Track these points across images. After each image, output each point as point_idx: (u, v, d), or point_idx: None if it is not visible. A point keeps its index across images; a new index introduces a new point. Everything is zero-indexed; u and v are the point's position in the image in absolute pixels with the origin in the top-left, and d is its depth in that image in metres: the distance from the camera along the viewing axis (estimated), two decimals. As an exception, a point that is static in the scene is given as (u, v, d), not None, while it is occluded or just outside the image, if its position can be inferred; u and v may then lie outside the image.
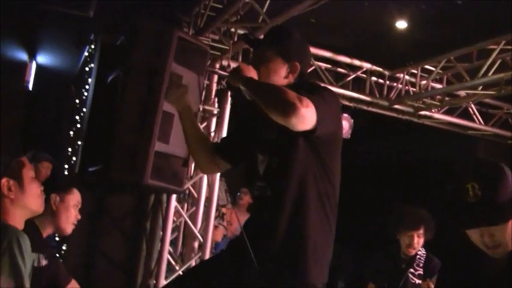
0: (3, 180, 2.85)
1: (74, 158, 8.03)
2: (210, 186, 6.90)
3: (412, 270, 5.21)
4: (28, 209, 2.94)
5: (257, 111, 3.00)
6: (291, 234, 2.91)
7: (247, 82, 2.91)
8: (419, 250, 5.22)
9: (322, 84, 7.11)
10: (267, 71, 3.06)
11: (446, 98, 8.21)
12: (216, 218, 7.05)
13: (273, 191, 2.99)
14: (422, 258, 5.24)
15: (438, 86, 8.08)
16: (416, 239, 5.13)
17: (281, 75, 3.09)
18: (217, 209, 7.07)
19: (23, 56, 9.28)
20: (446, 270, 4.62)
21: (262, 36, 3.33)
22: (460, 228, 2.50)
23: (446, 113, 8.56)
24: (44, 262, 3.47)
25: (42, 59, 9.46)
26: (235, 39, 6.65)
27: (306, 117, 2.73)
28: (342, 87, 7.90)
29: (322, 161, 2.97)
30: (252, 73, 2.96)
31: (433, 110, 8.43)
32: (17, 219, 2.87)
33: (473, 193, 2.40)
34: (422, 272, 5.21)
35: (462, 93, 8.20)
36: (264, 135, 3.07)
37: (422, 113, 8.42)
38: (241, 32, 6.60)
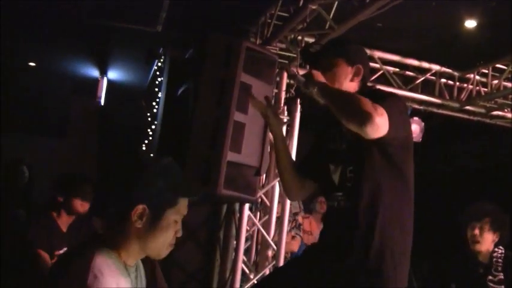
0: (140, 206, 2.44)
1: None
2: (282, 195, 6.92)
3: (491, 276, 4.77)
4: (149, 249, 2.51)
5: (326, 119, 3.06)
6: (368, 244, 2.92)
7: (322, 87, 2.96)
8: (496, 251, 4.80)
9: (391, 89, 7.12)
10: (334, 77, 3.13)
11: (520, 97, 8.05)
12: (292, 228, 7.06)
13: (348, 201, 3.02)
14: (500, 260, 4.78)
15: (511, 85, 7.91)
16: (477, 230, 4.76)
17: (347, 79, 3.17)
18: (293, 219, 7.08)
19: (95, 72, 9.53)
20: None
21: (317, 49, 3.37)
22: None
23: (520, 112, 8.36)
24: None
25: (113, 74, 9.69)
26: (301, 50, 6.68)
27: (380, 125, 2.77)
28: (411, 90, 7.82)
29: (396, 167, 2.99)
30: (323, 79, 3.02)
31: (506, 110, 8.25)
32: (133, 254, 2.50)
33: None
34: (503, 277, 4.73)
35: (536, 91, 8.00)
36: (333, 144, 3.13)
37: (495, 113, 8.25)
38: (308, 39, 6.62)
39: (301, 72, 5.78)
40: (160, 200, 2.46)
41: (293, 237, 7.11)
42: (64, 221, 4.89)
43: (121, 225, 2.45)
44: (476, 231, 4.78)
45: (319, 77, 3.02)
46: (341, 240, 3.00)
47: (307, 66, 6.93)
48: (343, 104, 2.89)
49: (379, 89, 3.33)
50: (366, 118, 2.73)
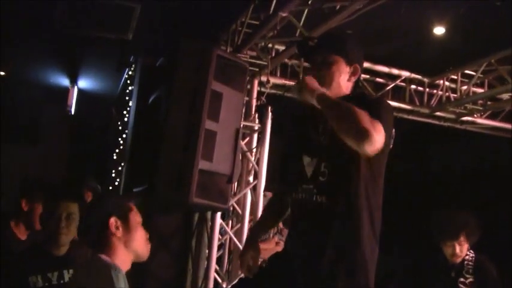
0: (112, 219, 2.91)
1: (118, 180, 8.14)
2: (254, 202, 6.92)
3: (462, 279, 4.94)
4: (134, 252, 2.96)
5: (313, 112, 3.03)
6: (342, 247, 2.91)
7: (321, 98, 2.91)
8: (467, 254, 4.97)
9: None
10: (331, 75, 3.10)
11: (489, 102, 8.11)
12: (275, 233, 7.05)
13: (319, 196, 2.99)
14: (471, 263, 4.96)
15: (480, 90, 7.99)
16: (458, 248, 4.91)
17: (345, 78, 3.14)
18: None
19: (65, 81, 9.47)
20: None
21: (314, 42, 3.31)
22: None
23: (490, 117, 8.44)
24: None
25: (84, 83, 9.64)
26: (273, 54, 6.70)
27: (378, 142, 2.74)
28: (381, 96, 7.87)
29: (373, 175, 2.99)
30: (315, 84, 2.97)
31: (475, 115, 8.34)
32: (124, 259, 2.92)
33: None
34: (473, 279, 4.92)
35: (505, 96, 8.09)
36: (315, 135, 3.08)
37: (465, 118, 8.32)
38: (278, 47, 6.65)
39: (273, 80, 5.83)
40: (122, 207, 2.99)
41: (277, 243, 7.09)
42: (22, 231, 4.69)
43: (105, 240, 2.91)
44: (458, 250, 4.93)
45: (315, 83, 2.97)
46: (312, 246, 2.97)
47: (278, 74, 6.96)
48: (341, 117, 2.83)
49: (369, 96, 3.31)
50: (364, 136, 2.70)
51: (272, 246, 6.98)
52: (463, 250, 4.95)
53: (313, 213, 3.00)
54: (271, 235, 6.95)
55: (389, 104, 3.12)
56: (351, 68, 3.13)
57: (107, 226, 2.88)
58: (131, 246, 2.92)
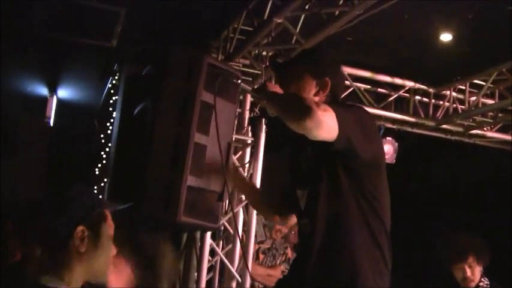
0: (79, 228, 2.43)
1: (101, 197, 8.14)
2: (247, 222, 6.93)
3: None
4: (93, 272, 2.51)
5: (293, 141, 3.10)
6: (335, 273, 2.95)
7: (270, 96, 3.04)
8: (482, 281, 4.99)
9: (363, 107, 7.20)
10: (297, 90, 3.16)
11: (500, 115, 8.15)
12: (283, 262, 7.07)
13: (310, 227, 3.05)
14: None
15: (490, 101, 8.04)
16: (468, 271, 4.94)
17: (311, 93, 3.18)
18: (283, 252, 7.08)
19: (43, 90, 9.47)
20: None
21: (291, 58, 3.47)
22: None
23: (500, 130, 8.47)
24: None
25: (63, 93, 9.63)
26: (268, 63, 6.74)
27: (324, 121, 2.75)
28: (383, 108, 7.92)
29: (365, 190, 3.00)
30: (277, 90, 3.08)
31: (485, 128, 8.37)
32: (76, 278, 2.46)
33: None
34: None
35: (517, 108, 8.13)
36: (300, 167, 3.18)
37: (474, 132, 8.37)
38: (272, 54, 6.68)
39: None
40: (95, 213, 2.52)
41: (283, 272, 7.12)
42: None
43: (62, 252, 2.44)
44: (469, 273, 4.96)
45: (274, 88, 3.08)
46: (304, 271, 3.01)
47: (272, 83, 7.01)
48: (284, 104, 2.95)
49: (347, 103, 3.42)
50: (305, 111, 2.73)
51: (278, 274, 7.02)
52: (474, 273, 4.97)
53: (308, 241, 3.04)
54: (278, 262, 6.98)
55: (362, 108, 3.16)
56: (318, 82, 3.18)
57: (71, 236, 2.42)
58: (92, 265, 2.48)
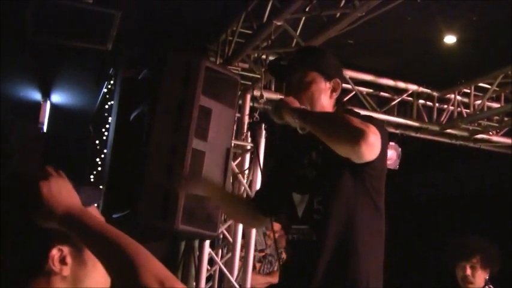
0: (54, 250, 1.83)
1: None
2: (247, 230, 6.94)
3: None
4: None
5: (295, 144, 3.11)
6: (341, 282, 2.95)
7: (303, 114, 2.94)
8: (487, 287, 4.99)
9: (365, 111, 7.25)
10: (311, 94, 3.11)
11: (506, 119, 8.12)
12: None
13: (316, 235, 3.01)
14: None
15: (495, 105, 8.05)
16: (469, 271, 4.93)
17: (326, 96, 3.15)
18: (279, 258, 7.07)
19: (36, 95, 9.49)
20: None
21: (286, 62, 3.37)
22: None
23: (506, 135, 8.47)
24: None
25: (57, 98, 9.66)
26: (267, 67, 6.77)
27: (375, 144, 2.76)
28: (386, 112, 7.91)
29: (371, 199, 3.02)
30: (297, 105, 2.99)
31: (490, 133, 8.37)
32: None
33: None
34: None
35: (524, 111, 8.12)
36: (302, 171, 3.11)
37: (479, 136, 8.37)
38: (273, 58, 6.71)
39: (266, 95, 5.89)
40: None
41: None
42: None
43: (40, 281, 1.85)
44: (468, 272, 4.95)
45: (294, 103, 2.99)
46: (303, 282, 3.00)
47: (272, 88, 7.03)
48: (330, 126, 2.88)
49: (356, 112, 3.25)
50: (359, 135, 2.71)
51: (276, 280, 7.02)
52: (475, 275, 4.95)
53: (311, 252, 3.01)
54: (276, 268, 6.98)
55: (380, 119, 3.18)
56: (330, 83, 3.15)
57: (45, 261, 1.84)
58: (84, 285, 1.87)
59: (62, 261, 1.86)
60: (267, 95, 6.90)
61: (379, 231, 3.06)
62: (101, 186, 7.76)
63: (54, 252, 1.84)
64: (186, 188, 3.63)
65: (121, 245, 1.61)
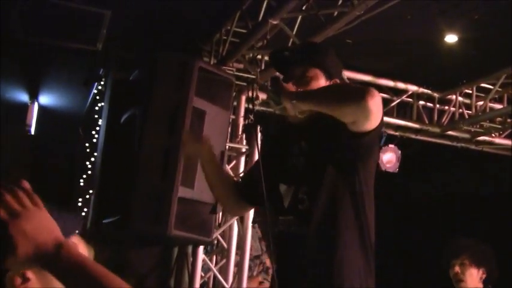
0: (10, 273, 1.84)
1: (86, 210, 8.17)
2: (242, 235, 6.96)
3: None
4: None
5: (286, 136, 3.14)
6: (327, 277, 2.96)
7: (302, 94, 3.00)
8: None
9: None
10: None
11: (508, 120, 8.17)
12: (260, 272, 7.09)
13: (300, 227, 3.03)
14: None
15: (498, 106, 8.08)
16: (458, 268, 4.95)
17: None
18: (260, 262, 7.11)
19: (24, 97, 9.49)
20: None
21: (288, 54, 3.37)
22: None
23: (509, 137, 8.47)
24: None
25: (45, 99, 9.65)
26: (263, 66, 6.78)
27: (379, 102, 2.77)
28: (385, 114, 7.83)
29: (359, 189, 3.01)
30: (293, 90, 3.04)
31: (493, 135, 8.39)
32: None
33: None
34: None
35: (527, 113, 8.14)
36: (291, 160, 3.13)
37: (481, 138, 8.40)
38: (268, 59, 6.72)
39: (262, 96, 5.91)
40: None
41: (261, 283, 7.13)
42: None
43: None
44: (457, 269, 4.98)
45: (291, 88, 3.03)
46: (295, 274, 3.03)
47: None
48: (333, 93, 2.95)
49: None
50: (363, 91, 2.74)
51: (255, 285, 7.04)
52: (465, 273, 4.95)
53: (294, 247, 3.04)
54: (255, 273, 7.01)
55: None
56: (330, 83, 3.17)
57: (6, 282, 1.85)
58: None
59: (23, 278, 1.88)
60: (262, 96, 6.90)
61: (368, 224, 3.04)
62: (91, 191, 7.78)
63: (10, 278, 1.87)
64: (186, 145, 3.60)
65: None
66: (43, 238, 1.49)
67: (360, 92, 2.76)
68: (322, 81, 3.14)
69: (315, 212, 2.99)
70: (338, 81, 3.21)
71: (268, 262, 7.39)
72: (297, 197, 3.06)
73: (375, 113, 2.77)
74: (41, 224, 1.51)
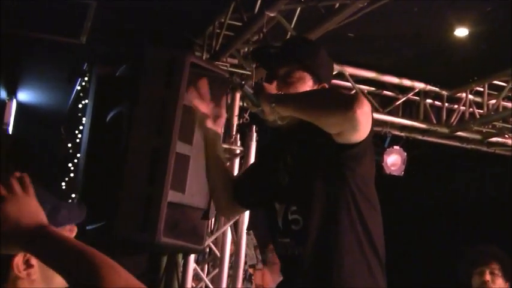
0: (17, 257, 1.98)
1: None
2: (235, 243, 6.96)
3: None
4: None
5: (274, 147, 3.14)
6: None
7: (282, 97, 2.89)
8: None
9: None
10: (293, 91, 3.04)
11: (522, 120, 8.20)
12: (242, 281, 7.09)
13: (297, 249, 2.99)
14: None
15: (511, 105, 8.10)
16: (488, 276, 4.86)
17: None
18: (244, 270, 7.10)
19: (1, 93, 9.49)
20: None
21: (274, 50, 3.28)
22: None
23: (523, 138, 8.48)
24: None
25: (24, 96, 9.66)
26: (252, 54, 6.77)
27: (368, 112, 2.71)
28: (390, 113, 7.95)
29: (355, 201, 2.93)
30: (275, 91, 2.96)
31: (506, 136, 8.41)
32: None
33: None
34: None
35: (542, 112, 8.15)
36: (277, 177, 3.06)
37: (493, 139, 8.43)
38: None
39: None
40: None
41: None
42: None
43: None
44: (488, 277, 4.89)
45: (273, 90, 2.94)
46: None
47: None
48: (317, 99, 2.88)
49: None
50: (351, 100, 2.67)
51: None
52: (496, 282, 4.90)
53: (294, 264, 3.01)
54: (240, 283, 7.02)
55: None
56: (318, 86, 3.09)
57: (10, 268, 1.99)
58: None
59: (27, 264, 2.01)
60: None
61: (370, 232, 2.98)
62: (73, 195, 7.79)
63: (17, 259, 1.99)
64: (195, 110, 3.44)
65: (84, 261, 1.60)
66: (26, 220, 1.65)
67: (348, 100, 2.68)
68: (309, 84, 3.06)
69: (309, 232, 2.93)
70: (327, 85, 3.12)
71: (251, 271, 7.38)
72: (288, 217, 3.00)
73: (363, 124, 2.71)
74: (26, 208, 1.68)
